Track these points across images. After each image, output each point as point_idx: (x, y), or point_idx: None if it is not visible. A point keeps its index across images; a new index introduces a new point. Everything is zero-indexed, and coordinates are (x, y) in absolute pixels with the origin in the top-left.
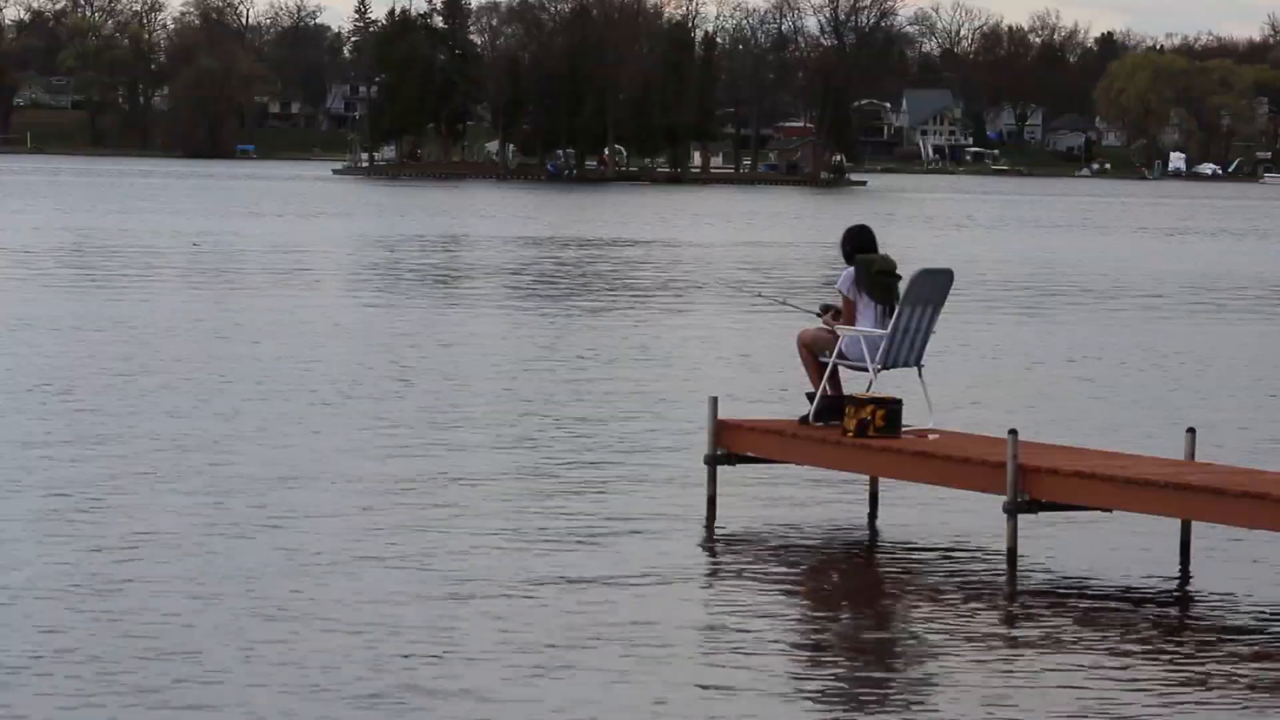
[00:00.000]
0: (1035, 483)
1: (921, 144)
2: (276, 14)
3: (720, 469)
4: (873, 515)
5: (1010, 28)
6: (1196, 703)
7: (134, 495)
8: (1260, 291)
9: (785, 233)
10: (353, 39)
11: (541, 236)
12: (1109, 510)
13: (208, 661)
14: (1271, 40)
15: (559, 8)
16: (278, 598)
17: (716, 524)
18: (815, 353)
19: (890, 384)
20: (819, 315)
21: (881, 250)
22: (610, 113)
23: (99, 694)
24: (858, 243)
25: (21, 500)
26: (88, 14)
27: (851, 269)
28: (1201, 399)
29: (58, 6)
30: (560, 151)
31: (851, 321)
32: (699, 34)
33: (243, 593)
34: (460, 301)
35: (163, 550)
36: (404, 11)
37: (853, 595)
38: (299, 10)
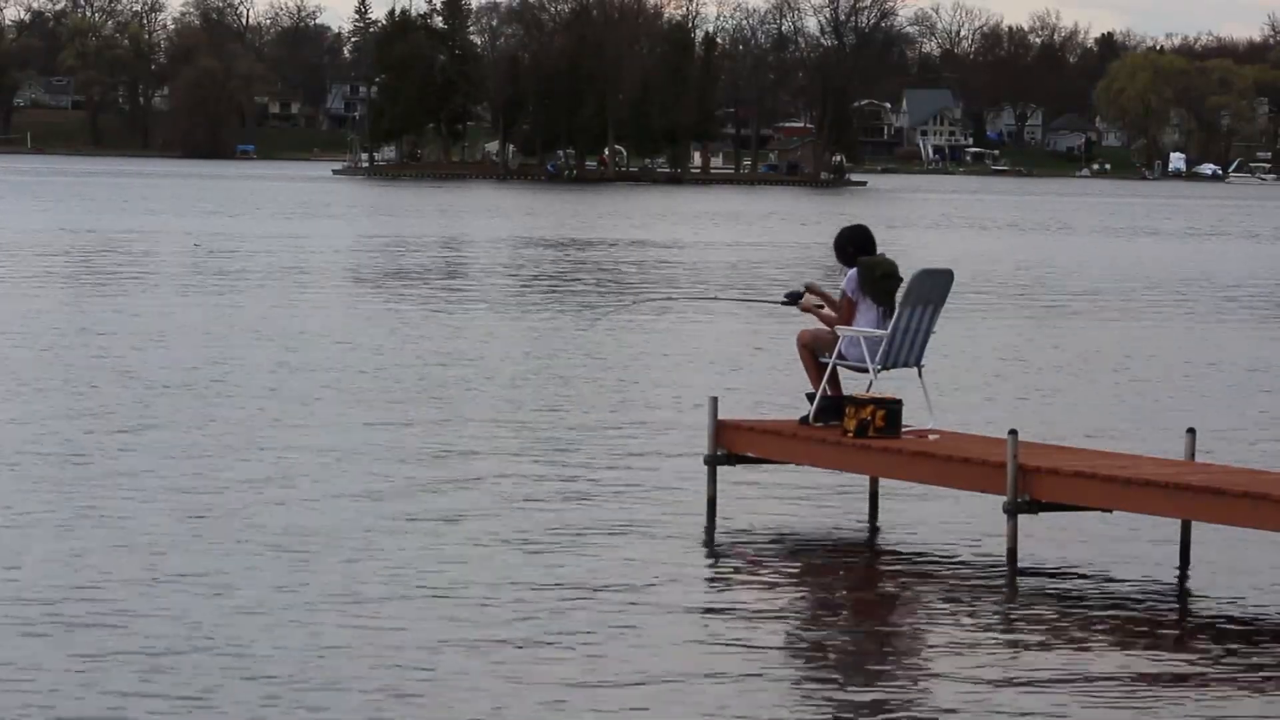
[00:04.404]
0: (1035, 483)
1: (921, 144)
2: (276, 14)
3: (720, 469)
4: (873, 515)
5: (1010, 28)
6: (1197, 703)
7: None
8: (1252, 293)
9: (786, 234)
10: (353, 39)
11: (540, 237)
12: (1109, 510)
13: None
14: (1271, 40)
15: (559, 8)
16: (260, 598)
17: (717, 525)
18: (815, 353)
19: (890, 384)
20: (785, 303)
21: (880, 250)
22: (610, 113)
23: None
24: (858, 244)
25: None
26: (88, 14)
27: (854, 271)
28: (1202, 399)
29: (58, 6)
30: (560, 151)
31: (850, 323)
32: (699, 34)
33: (222, 595)
34: (459, 303)
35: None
36: (404, 12)
37: (852, 596)
38: (299, 10)
